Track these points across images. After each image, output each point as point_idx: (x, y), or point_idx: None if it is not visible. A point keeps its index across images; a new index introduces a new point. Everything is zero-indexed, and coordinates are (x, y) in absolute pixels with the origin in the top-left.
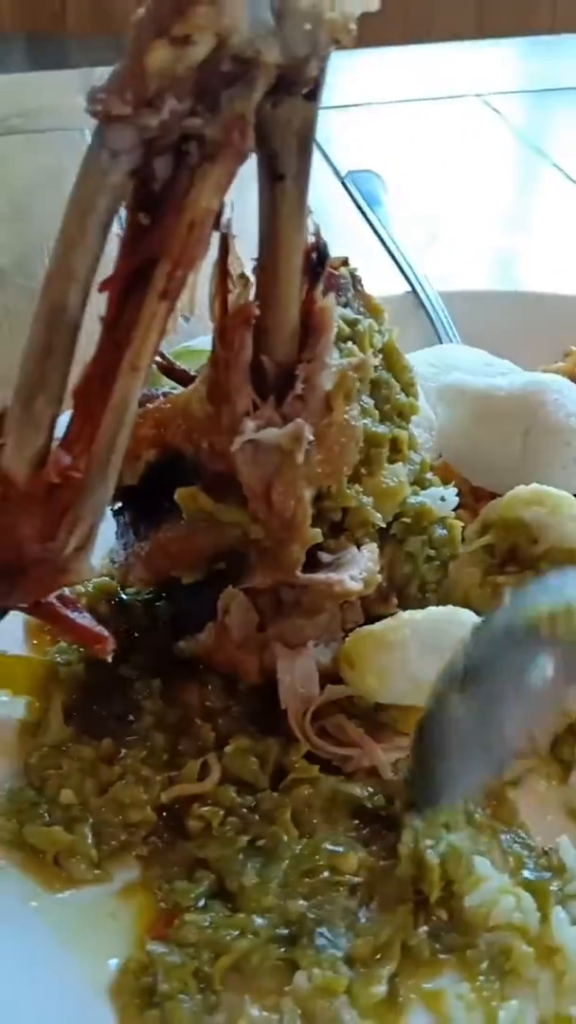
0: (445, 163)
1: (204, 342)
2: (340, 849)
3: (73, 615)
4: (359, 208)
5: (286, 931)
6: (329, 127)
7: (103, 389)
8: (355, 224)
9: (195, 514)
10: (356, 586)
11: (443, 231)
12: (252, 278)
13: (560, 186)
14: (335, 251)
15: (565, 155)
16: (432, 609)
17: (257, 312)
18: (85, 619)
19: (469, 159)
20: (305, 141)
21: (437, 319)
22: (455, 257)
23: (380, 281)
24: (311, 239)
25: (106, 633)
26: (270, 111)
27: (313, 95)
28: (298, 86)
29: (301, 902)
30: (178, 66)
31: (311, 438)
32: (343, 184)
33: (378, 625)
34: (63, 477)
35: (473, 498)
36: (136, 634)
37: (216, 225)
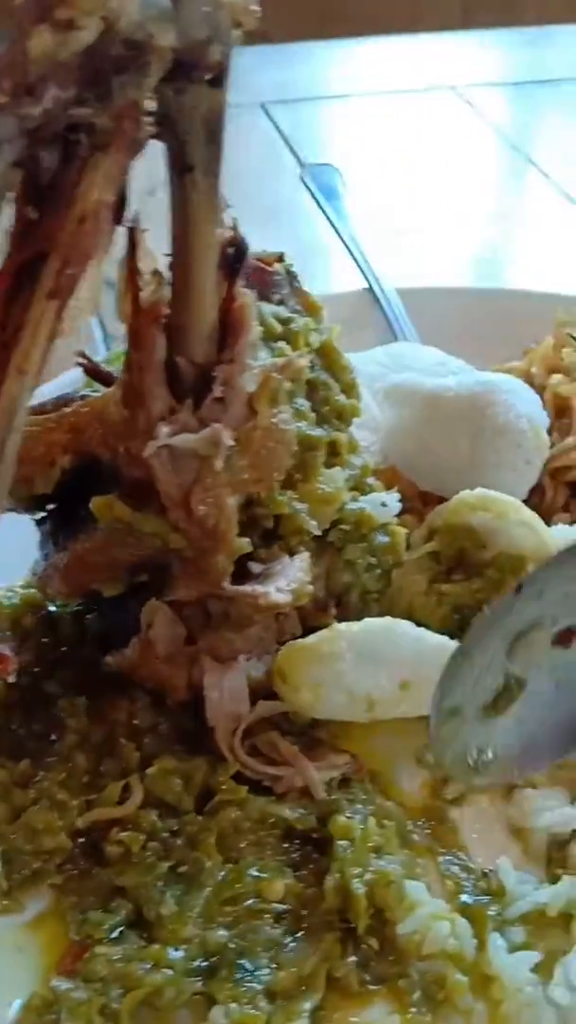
0: (415, 156)
1: None
2: (265, 875)
3: None
4: (317, 202)
5: (205, 963)
6: (297, 120)
7: None
8: (317, 222)
9: (112, 523)
10: (282, 599)
11: (408, 225)
12: (168, 274)
13: (533, 179)
14: (296, 245)
15: (539, 148)
16: (369, 620)
17: (168, 311)
18: None
19: (440, 152)
20: (213, 130)
21: (392, 316)
22: (421, 252)
23: (338, 277)
24: (228, 233)
25: (8, 653)
26: (173, 98)
27: (218, 81)
28: (200, 71)
29: (222, 932)
30: (62, 52)
31: (231, 443)
32: (301, 178)
33: (312, 637)
34: None
35: (421, 502)
36: (63, 648)
37: (119, 219)
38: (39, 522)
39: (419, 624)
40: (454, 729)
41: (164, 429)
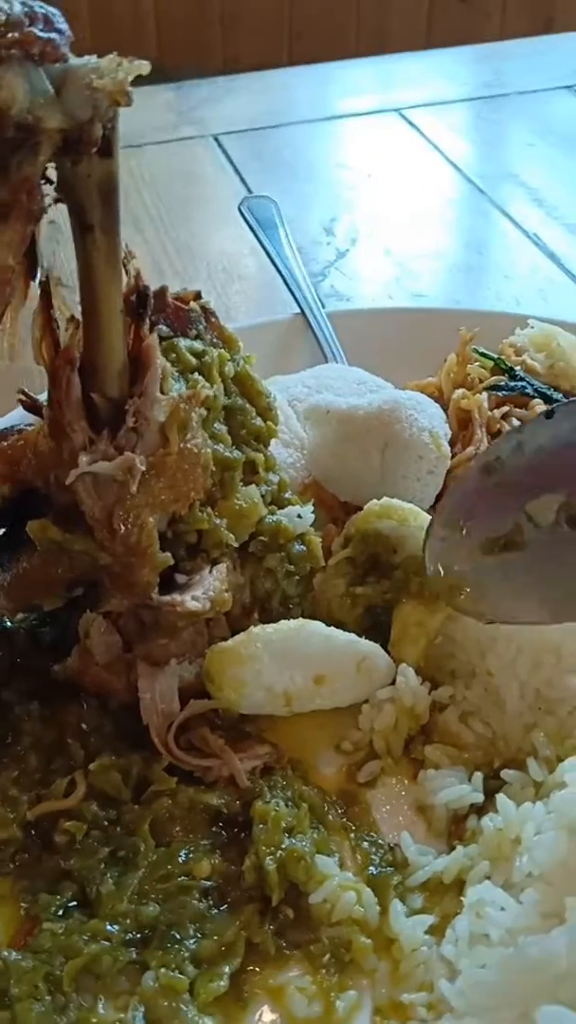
0: (361, 181)
1: None
2: (193, 856)
3: None
4: (254, 233)
5: (139, 935)
6: (246, 151)
7: None
8: (258, 249)
9: (47, 544)
10: (199, 606)
11: (353, 249)
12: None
13: (475, 199)
14: (244, 276)
15: (484, 166)
16: (282, 623)
17: (78, 354)
18: None
19: (387, 176)
20: (107, 193)
21: (323, 339)
22: (365, 275)
23: (285, 303)
24: (131, 282)
25: None
26: (70, 169)
27: (107, 152)
28: (87, 146)
29: (153, 907)
30: None
31: (143, 468)
32: (239, 211)
33: (232, 640)
34: None
35: (343, 512)
36: (18, 659)
37: (32, 276)
38: None
39: (337, 624)
40: (448, 546)
41: (84, 458)
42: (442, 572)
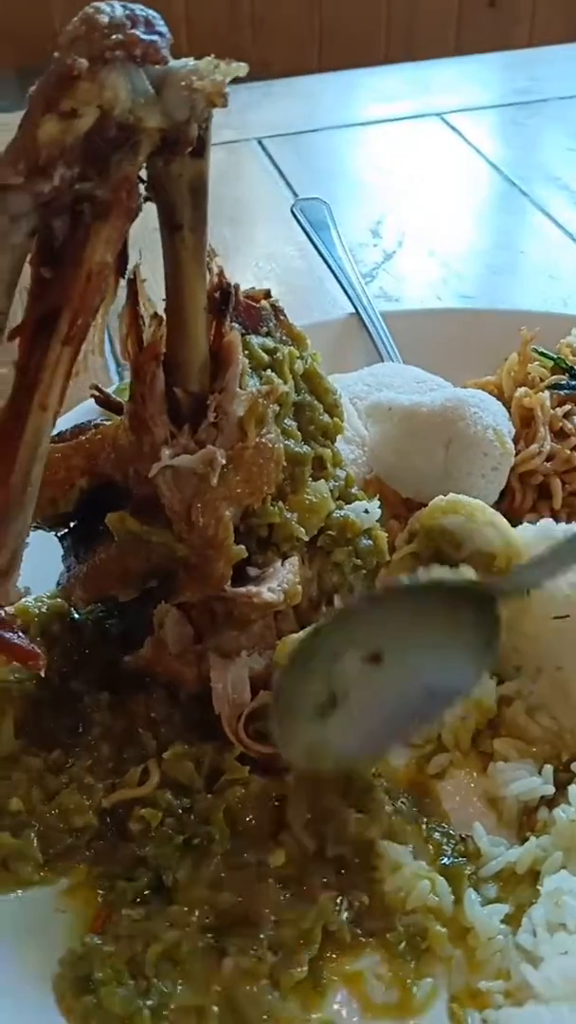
0: (405, 185)
1: None
2: (267, 845)
3: (8, 635)
4: (307, 235)
5: (217, 922)
6: (291, 154)
7: (17, 428)
8: (313, 250)
9: (125, 536)
10: (275, 597)
11: (396, 251)
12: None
13: (518, 201)
14: (294, 277)
15: (522, 170)
16: None
17: (165, 349)
18: (19, 639)
19: (430, 179)
20: (197, 193)
21: (378, 339)
22: (412, 276)
23: (334, 303)
24: (215, 280)
25: (36, 650)
26: (163, 169)
27: (199, 152)
28: (183, 146)
29: (230, 895)
30: (67, 136)
31: (224, 461)
32: (292, 212)
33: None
34: None
35: (405, 509)
36: (87, 651)
37: (121, 273)
38: (62, 538)
39: None
40: (293, 727)
41: (166, 452)
42: (299, 751)
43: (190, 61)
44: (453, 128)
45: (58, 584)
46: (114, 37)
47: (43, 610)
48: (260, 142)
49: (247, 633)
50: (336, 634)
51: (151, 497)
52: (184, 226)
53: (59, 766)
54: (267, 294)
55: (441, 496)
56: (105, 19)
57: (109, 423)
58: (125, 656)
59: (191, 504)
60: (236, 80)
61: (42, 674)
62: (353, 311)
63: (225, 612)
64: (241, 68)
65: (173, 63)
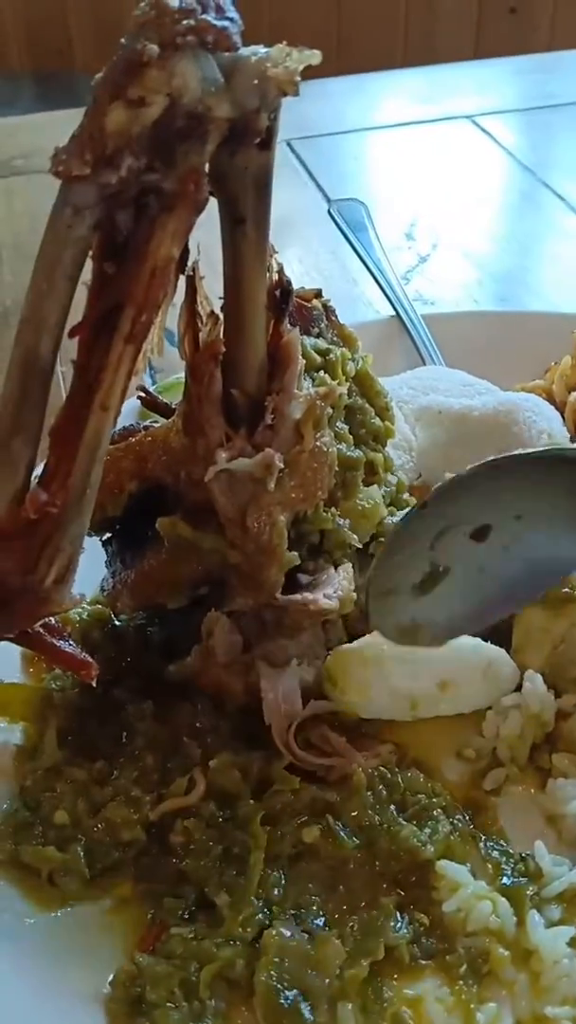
0: (435, 186)
1: None
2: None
3: (59, 643)
4: (345, 236)
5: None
6: (320, 156)
7: (77, 428)
8: (346, 252)
9: (176, 542)
10: (331, 604)
11: (432, 252)
12: (222, 315)
13: (551, 204)
14: (327, 279)
15: (553, 172)
16: None
17: (224, 348)
18: (70, 647)
19: (459, 180)
20: (262, 187)
21: (420, 342)
22: (445, 277)
23: (369, 306)
24: (275, 277)
25: (89, 659)
26: (227, 160)
27: (266, 144)
28: (251, 136)
29: (278, 889)
30: (134, 126)
31: (282, 466)
32: (329, 213)
33: (357, 643)
34: (40, 513)
35: None
36: (129, 659)
37: (181, 269)
38: (105, 543)
39: None
40: (388, 605)
41: (222, 455)
42: (392, 629)
43: (261, 48)
44: (483, 130)
45: (102, 590)
46: (185, 23)
47: (84, 616)
48: (289, 144)
49: (297, 642)
50: (441, 509)
51: (204, 502)
52: (247, 220)
53: (104, 777)
54: (318, 294)
55: None
56: (176, 3)
57: (158, 425)
58: (169, 665)
59: (246, 509)
60: None
61: (93, 683)
62: (393, 313)
63: (276, 620)
64: (315, 56)
65: (243, 50)
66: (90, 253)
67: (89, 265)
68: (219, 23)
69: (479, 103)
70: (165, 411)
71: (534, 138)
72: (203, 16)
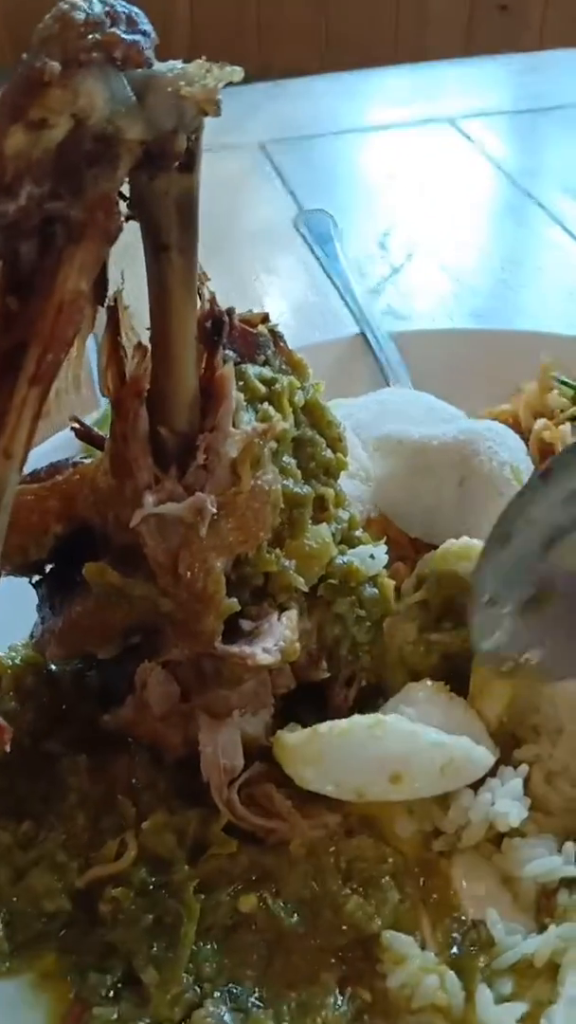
0: (412, 192)
1: None
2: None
3: None
4: (310, 247)
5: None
6: (295, 160)
7: None
8: (316, 264)
9: (104, 589)
10: (270, 659)
11: (404, 263)
12: (150, 347)
13: (534, 213)
14: (296, 292)
15: (536, 179)
16: (356, 719)
17: (148, 384)
18: None
19: (440, 188)
20: (186, 211)
21: (384, 361)
22: (417, 291)
23: (337, 320)
24: (207, 307)
25: (2, 723)
26: (146, 184)
27: (188, 166)
28: (169, 159)
29: (210, 964)
30: (35, 149)
31: (214, 510)
32: (295, 225)
33: (295, 738)
34: None
35: (413, 550)
36: (64, 706)
37: (100, 300)
38: (36, 584)
39: (412, 673)
40: (492, 618)
41: (150, 498)
42: (495, 647)
43: (178, 64)
44: (465, 135)
45: (31, 636)
46: (91, 37)
47: (16, 661)
48: (263, 147)
49: (239, 692)
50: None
51: (133, 546)
52: (171, 247)
53: (29, 840)
54: (265, 318)
55: (453, 539)
56: (81, 16)
57: (89, 461)
58: (104, 714)
59: (177, 555)
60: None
61: (6, 749)
62: (358, 331)
63: (214, 670)
64: (236, 72)
65: (158, 66)
66: None
67: None
68: (129, 37)
69: (464, 105)
70: (100, 444)
71: (519, 143)
72: (111, 30)
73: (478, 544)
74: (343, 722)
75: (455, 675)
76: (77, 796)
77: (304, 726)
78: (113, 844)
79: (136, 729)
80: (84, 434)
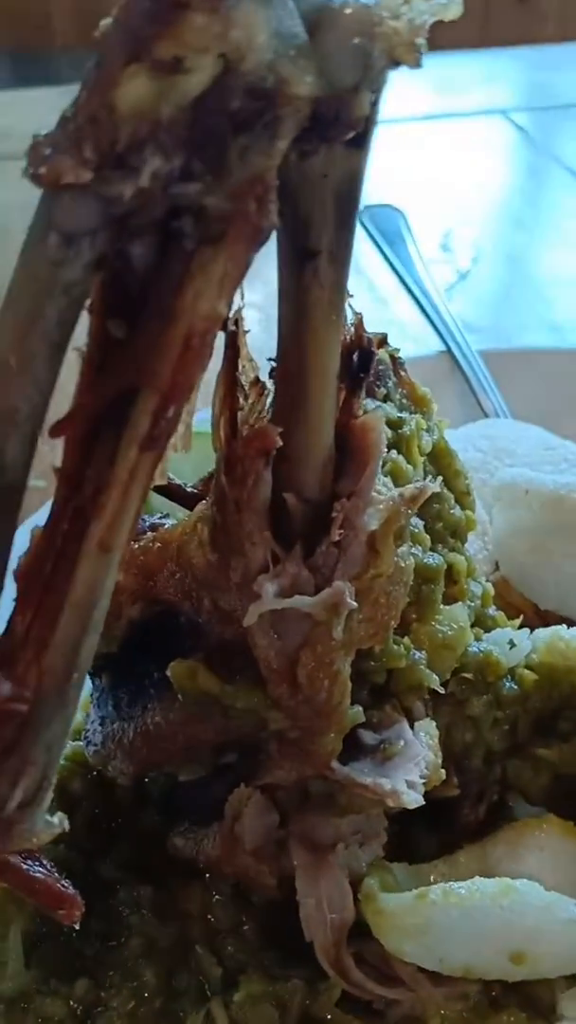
0: (469, 187)
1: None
2: None
3: (33, 868)
4: (379, 248)
5: None
6: None
7: (60, 575)
8: (375, 267)
9: (195, 696)
10: (415, 799)
11: (475, 268)
12: (270, 384)
13: None
14: (351, 300)
15: None
16: (477, 881)
17: (278, 439)
18: (44, 871)
19: (496, 181)
20: (346, 204)
21: (479, 387)
22: (488, 301)
23: (404, 333)
24: (351, 333)
25: (71, 892)
26: (296, 164)
27: (360, 141)
28: (340, 128)
29: None
30: (163, 105)
31: (353, 603)
32: (359, 221)
33: (396, 902)
34: (2, 710)
35: (541, 622)
36: (120, 819)
37: (224, 325)
38: (93, 673)
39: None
40: None
41: (270, 587)
42: None
43: None
44: (519, 127)
45: (86, 739)
46: None
47: (60, 761)
48: None
49: (348, 820)
50: None
51: (236, 642)
52: (321, 253)
53: (88, 1007)
54: (383, 340)
55: None
56: None
57: (170, 523)
58: (172, 830)
59: (296, 658)
60: None
61: (76, 926)
62: (444, 348)
63: (324, 793)
64: (455, 7)
65: None
66: (87, 305)
67: (84, 323)
68: None
69: (513, 96)
70: (191, 503)
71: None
72: None
73: None
74: (461, 888)
75: (569, 801)
76: (142, 943)
77: (415, 856)
78: (196, 1018)
79: (222, 866)
80: (166, 487)
